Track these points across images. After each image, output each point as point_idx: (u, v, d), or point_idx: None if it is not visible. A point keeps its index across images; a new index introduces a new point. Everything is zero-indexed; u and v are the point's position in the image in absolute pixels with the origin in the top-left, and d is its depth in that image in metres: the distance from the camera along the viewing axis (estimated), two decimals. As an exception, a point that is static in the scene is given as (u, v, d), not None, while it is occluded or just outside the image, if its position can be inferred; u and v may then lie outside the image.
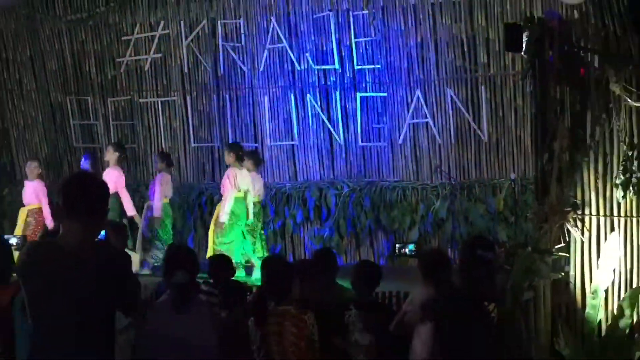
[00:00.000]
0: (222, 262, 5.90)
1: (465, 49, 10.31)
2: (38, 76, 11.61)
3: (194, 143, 11.21)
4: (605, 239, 6.30)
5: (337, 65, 10.71)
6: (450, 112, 10.40)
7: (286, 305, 4.70)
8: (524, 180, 9.96)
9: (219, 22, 11.05)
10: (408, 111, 10.52)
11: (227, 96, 11.16)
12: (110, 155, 9.35)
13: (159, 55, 11.25)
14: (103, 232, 3.98)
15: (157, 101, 11.35)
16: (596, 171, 6.35)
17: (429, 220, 10.09)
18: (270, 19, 10.85)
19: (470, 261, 4.54)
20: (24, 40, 11.55)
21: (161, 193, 9.15)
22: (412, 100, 10.51)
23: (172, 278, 4.34)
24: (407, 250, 5.71)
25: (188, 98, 11.27)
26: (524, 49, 6.49)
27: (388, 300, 7.35)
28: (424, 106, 10.46)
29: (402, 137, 10.51)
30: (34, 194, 9.64)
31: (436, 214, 10.15)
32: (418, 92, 10.47)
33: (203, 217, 10.83)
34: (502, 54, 10.08)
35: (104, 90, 11.48)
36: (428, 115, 10.45)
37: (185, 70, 11.23)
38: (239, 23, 11.00)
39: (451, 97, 10.37)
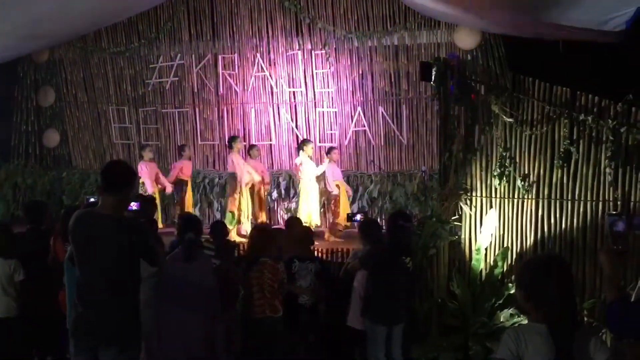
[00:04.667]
0: (219, 226, 5.85)
1: (392, 79, 10.36)
2: (89, 92, 11.40)
3: (200, 141, 11.10)
4: (486, 213, 6.38)
5: (302, 88, 10.67)
6: (381, 123, 10.46)
7: (265, 258, 4.69)
8: (430, 171, 10.01)
9: (219, 56, 10.92)
10: (352, 122, 10.54)
11: (225, 109, 11.04)
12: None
13: (176, 78, 11.09)
14: (137, 203, 3.89)
15: (175, 111, 11.18)
16: (481, 166, 6.43)
17: (364, 198, 10.13)
18: (256, 55, 10.77)
19: (394, 228, 4.58)
20: (78, 65, 11.35)
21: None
22: (354, 114, 10.52)
23: (184, 237, 4.29)
24: (356, 217, 5.71)
25: (197, 109, 11.12)
26: (433, 79, 6.51)
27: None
28: (363, 118, 10.49)
29: (347, 140, 10.53)
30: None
31: (370, 194, 10.21)
32: (359, 108, 10.49)
33: (206, 193, 10.75)
34: (418, 83, 10.17)
35: (136, 103, 11.28)
36: (365, 125, 10.48)
37: (195, 90, 11.09)
38: (234, 57, 10.88)
39: (382, 112, 10.42)
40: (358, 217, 5.56)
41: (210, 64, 10.97)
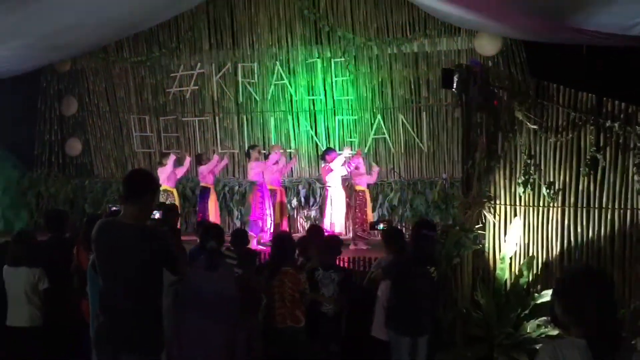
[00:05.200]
0: (240, 235, 5.78)
1: (412, 86, 10.26)
2: (110, 101, 11.43)
3: (220, 150, 11.03)
4: (510, 221, 6.25)
5: (322, 96, 10.61)
6: (401, 130, 10.36)
7: (287, 267, 4.61)
8: (451, 179, 9.91)
9: (239, 64, 10.90)
10: (371, 130, 10.45)
11: (245, 117, 11.00)
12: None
13: (197, 87, 11.07)
14: (159, 212, 3.83)
15: (195, 120, 11.17)
16: (504, 174, 6.29)
17: (385, 206, 10.01)
18: (276, 63, 10.73)
19: (418, 237, 4.48)
20: (100, 75, 11.40)
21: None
22: (374, 122, 10.43)
23: (206, 246, 4.23)
24: (379, 226, 5.58)
25: (217, 118, 11.09)
26: (454, 86, 6.40)
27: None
28: (383, 126, 10.39)
29: (367, 147, 10.42)
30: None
31: (390, 202, 10.10)
32: (379, 116, 10.40)
33: (226, 201, 10.72)
34: (438, 90, 10.09)
35: (157, 111, 11.29)
36: (385, 133, 10.38)
37: (215, 98, 11.07)
38: (254, 66, 10.86)
39: (402, 120, 10.31)
40: (381, 225, 5.45)
41: (230, 72, 10.95)
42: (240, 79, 10.90)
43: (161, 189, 9.28)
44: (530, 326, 5.72)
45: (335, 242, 5.35)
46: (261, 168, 8.85)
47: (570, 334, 2.28)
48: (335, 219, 8.74)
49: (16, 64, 9.47)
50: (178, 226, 6.64)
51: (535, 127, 6.12)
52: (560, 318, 2.30)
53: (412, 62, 10.20)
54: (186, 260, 3.60)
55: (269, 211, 8.81)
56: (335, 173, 8.75)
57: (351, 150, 9.29)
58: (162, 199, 9.22)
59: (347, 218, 9.17)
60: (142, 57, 11.15)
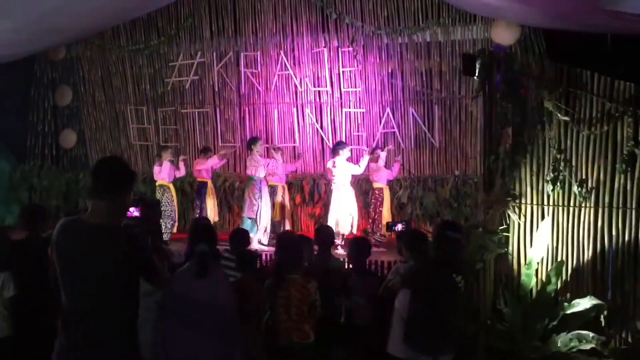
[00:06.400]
0: (239, 235, 5.14)
1: (424, 78, 9.61)
2: (106, 91, 10.81)
3: (221, 143, 10.44)
4: (537, 223, 5.60)
5: (328, 88, 9.96)
6: (412, 124, 9.71)
7: (294, 275, 3.92)
8: (464, 176, 9.36)
9: (241, 53, 10.26)
10: (380, 123, 9.80)
11: (247, 109, 10.37)
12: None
13: (197, 77, 10.45)
14: (137, 209, 3.11)
15: (195, 112, 10.54)
16: (531, 170, 5.64)
17: (393, 204, 9.34)
18: (280, 52, 10.08)
19: (442, 240, 3.82)
20: (96, 64, 10.77)
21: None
22: (383, 115, 9.78)
23: (194, 249, 3.57)
24: (397, 227, 4.87)
25: (217, 110, 10.46)
26: (476, 74, 5.75)
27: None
28: (392, 120, 9.74)
29: (375, 142, 9.76)
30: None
31: (399, 200, 9.47)
32: (388, 109, 9.75)
33: (227, 197, 10.11)
34: (451, 82, 9.46)
35: (155, 102, 10.65)
36: (395, 127, 9.73)
37: (216, 89, 10.43)
38: (257, 55, 10.21)
39: (412, 113, 9.67)
40: (399, 226, 4.77)
41: (232, 62, 10.32)
42: (242, 69, 10.26)
43: (157, 184, 8.69)
44: (561, 340, 5.06)
45: (366, 244, 4.67)
46: (259, 164, 8.20)
47: None
48: (341, 217, 8.07)
49: (4, 49, 8.82)
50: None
51: (566, 118, 5.47)
52: None
53: (424, 52, 9.53)
54: (169, 265, 2.92)
55: (265, 209, 8.16)
56: (342, 169, 8.07)
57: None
58: (158, 195, 8.61)
59: (360, 217, 8.53)
60: (139, 45, 10.53)
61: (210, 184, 8.87)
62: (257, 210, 8.14)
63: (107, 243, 2.60)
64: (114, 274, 2.61)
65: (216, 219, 8.97)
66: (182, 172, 8.89)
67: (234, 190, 10.09)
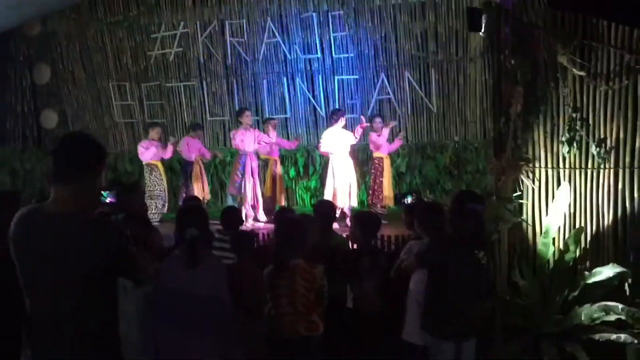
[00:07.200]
0: (232, 213, 4.67)
1: (419, 40, 9.07)
2: (86, 67, 10.15)
3: (209, 117, 9.90)
4: (553, 188, 5.15)
5: (319, 55, 9.40)
6: (407, 90, 9.21)
7: (297, 259, 3.43)
8: (464, 142, 8.91)
9: (226, 22, 9.64)
10: (375, 90, 9.30)
11: (234, 81, 9.81)
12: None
13: (180, 49, 9.83)
14: (112, 195, 2.57)
15: (180, 85, 9.95)
16: (545, 131, 5.18)
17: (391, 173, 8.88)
18: (267, 19, 9.48)
19: (461, 213, 3.35)
20: (74, 38, 10.07)
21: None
22: (377, 81, 9.27)
23: (183, 235, 3.09)
24: (407, 199, 4.36)
25: (204, 83, 9.89)
26: (483, 28, 5.24)
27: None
28: (387, 86, 9.24)
29: (370, 109, 9.27)
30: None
31: (397, 168, 9.02)
32: (382, 75, 9.24)
33: (218, 174, 9.62)
34: (448, 43, 8.93)
35: (138, 77, 10.04)
36: (390, 93, 9.26)
37: (201, 61, 9.84)
38: (242, 23, 9.59)
39: (408, 78, 9.16)
40: (409, 198, 4.28)
41: (217, 31, 9.70)
42: (228, 38, 9.66)
43: (144, 163, 8.17)
44: (585, 312, 4.64)
45: (376, 219, 4.16)
46: (243, 137, 7.66)
47: None
48: (339, 189, 7.58)
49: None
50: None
51: (582, 73, 5.00)
52: None
53: (419, 13, 8.98)
54: (151, 258, 2.43)
55: (249, 184, 7.65)
56: (336, 138, 7.56)
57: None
58: (146, 174, 8.10)
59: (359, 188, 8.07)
60: (118, 16, 9.85)
61: (198, 162, 8.33)
62: (241, 186, 7.64)
63: (74, 235, 2.10)
64: (84, 272, 2.12)
65: (207, 197, 8.49)
66: (168, 154, 8.33)
67: (225, 166, 9.59)
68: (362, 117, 8.13)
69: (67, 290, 2.15)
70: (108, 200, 2.50)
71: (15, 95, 10.15)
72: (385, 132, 7.79)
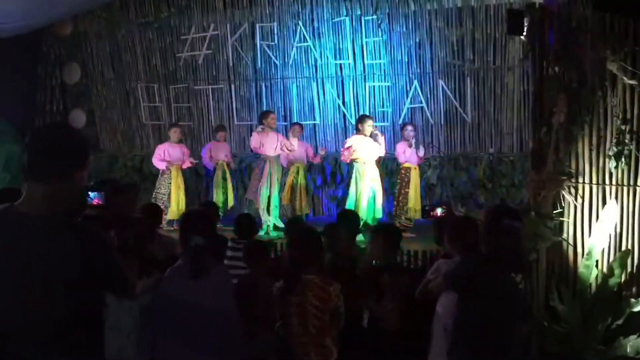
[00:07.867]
0: (243, 222, 4.37)
1: (455, 47, 8.71)
2: (116, 68, 10.05)
3: (237, 121, 9.69)
4: (598, 205, 4.72)
5: (350, 60, 9.11)
6: (441, 98, 8.86)
7: (310, 275, 3.09)
8: (499, 153, 8.48)
9: (257, 25, 9.44)
10: (407, 98, 8.96)
11: (263, 85, 9.58)
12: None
13: (210, 51, 9.65)
14: (99, 195, 2.24)
15: (208, 88, 9.76)
16: (590, 143, 4.75)
17: (421, 185, 8.49)
18: (298, 23, 9.25)
19: (496, 229, 2.96)
20: (104, 39, 10.00)
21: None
22: (410, 89, 8.93)
23: (187, 244, 2.80)
24: (437, 211, 3.98)
25: (232, 86, 9.68)
26: (524, 32, 4.86)
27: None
28: (420, 94, 8.90)
29: (402, 118, 8.93)
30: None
31: (428, 180, 8.66)
32: (415, 82, 8.90)
33: (243, 179, 9.36)
34: (485, 51, 8.54)
35: (167, 79, 9.89)
36: (423, 101, 8.91)
37: (230, 64, 9.64)
38: (273, 26, 9.38)
39: (442, 86, 8.81)
40: (438, 210, 3.91)
41: (247, 34, 9.51)
42: (258, 42, 9.45)
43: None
44: (631, 344, 4.19)
45: (397, 232, 3.82)
46: (262, 139, 7.38)
47: None
48: (362, 199, 7.25)
49: (4, 23, 8.10)
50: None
51: (633, 82, 4.57)
52: None
53: (455, 19, 8.61)
54: (135, 269, 2.12)
55: (265, 190, 7.34)
56: (360, 145, 7.25)
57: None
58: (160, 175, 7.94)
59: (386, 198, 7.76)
60: (149, 17, 9.74)
61: (222, 167, 8.12)
62: (257, 191, 7.37)
63: (45, 241, 1.80)
64: (58, 286, 1.82)
65: (231, 203, 8.25)
66: (186, 164, 8.14)
67: (251, 171, 9.33)
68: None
69: (43, 304, 1.84)
70: (95, 201, 2.20)
71: (45, 94, 10.10)
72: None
